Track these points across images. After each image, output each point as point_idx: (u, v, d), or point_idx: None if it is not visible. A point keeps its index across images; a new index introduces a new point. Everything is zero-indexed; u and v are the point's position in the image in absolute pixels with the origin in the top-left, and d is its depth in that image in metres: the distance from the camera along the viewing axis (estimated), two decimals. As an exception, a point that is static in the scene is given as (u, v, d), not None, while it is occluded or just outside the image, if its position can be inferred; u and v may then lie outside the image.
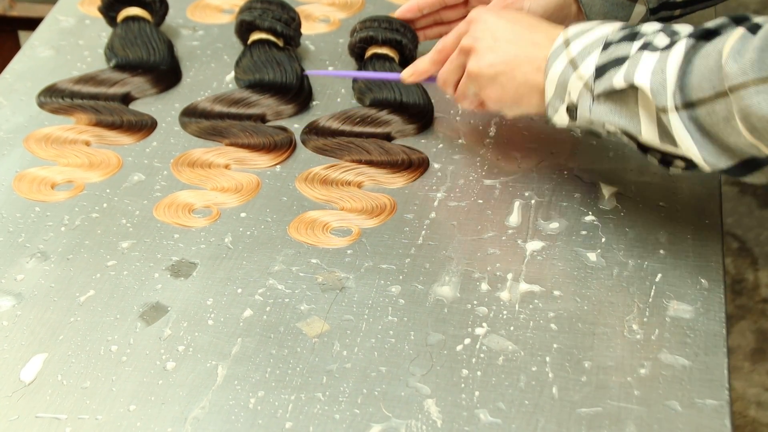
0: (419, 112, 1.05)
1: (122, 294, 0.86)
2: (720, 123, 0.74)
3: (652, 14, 1.00)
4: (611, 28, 0.84)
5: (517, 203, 0.94)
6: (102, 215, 0.94)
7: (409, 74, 1.01)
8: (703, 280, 0.86)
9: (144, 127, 1.05)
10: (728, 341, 0.82)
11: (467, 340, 0.81)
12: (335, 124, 1.04)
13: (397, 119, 1.04)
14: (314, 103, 1.09)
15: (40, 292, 0.86)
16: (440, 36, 1.12)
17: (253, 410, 0.76)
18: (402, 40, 1.10)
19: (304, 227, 0.92)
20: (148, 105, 1.09)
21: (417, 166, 0.99)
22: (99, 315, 0.84)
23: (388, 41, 1.10)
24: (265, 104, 1.07)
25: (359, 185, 0.97)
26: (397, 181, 0.98)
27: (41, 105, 1.09)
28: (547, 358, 0.79)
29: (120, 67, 1.13)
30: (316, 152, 1.02)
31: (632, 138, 0.82)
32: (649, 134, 0.80)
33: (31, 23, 1.50)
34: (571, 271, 0.87)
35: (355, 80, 1.10)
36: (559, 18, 1.00)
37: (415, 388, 0.77)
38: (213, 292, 0.86)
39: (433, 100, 1.07)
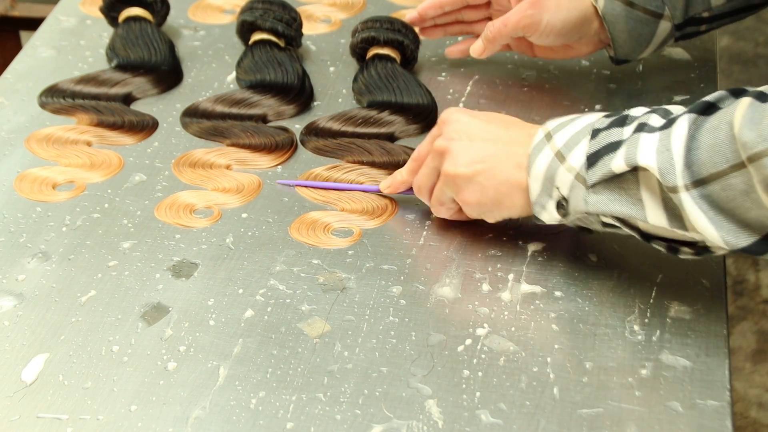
0: (421, 113, 1.05)
1: (123, 294, 0.86)
2: (738, 197, 0.71)
3: (677, 30, 0.97)
4: (595, 117, 0.81)
5: (518, 204, 0.94)
6: (103, 215, 0.94)
7: (386, 186, 0.94)
8: (704, 281, 0.86)
9: (145, 127, 1.05)
10: (729, 342, 0.82)
11: (468, 341, 0.81)
12: (336, 125, 1.04)
13: (399, 120, 1.04)
14: (315, 103, 1.09)
15: (41, 293, 0.86)
16: (462, 33, 1.13)
17: (254, 411, 0.76)
18: (404, 40, 1.10)
19: (305, 228, 0.92)
20: (149, 105, 1.09)
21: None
22: (100, 315, 0.84)
23: (389, 42, 1.10)
24: (267, 105, 1.07)
25: (360, 186, 0.98)
26: (398, 181, 0.98)
27: (42, 105, 1.09)
28: (549, 359, 0.79)
29: (121, 67, 1.13)
30: (316, 153, 1.02)
31: (633, 227, 0.78)
32: (656, 218, 0.76)
33: (33, 23, 1.50)
34: (572, 272, 0.87)
35: (354, 80, 1.10)
36: (579, 34, 0.98)
37: (416, 388, 0.77)
38: (214, 292, 0.86)
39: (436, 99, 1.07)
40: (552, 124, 0.83)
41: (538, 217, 0.83)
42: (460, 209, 0.89)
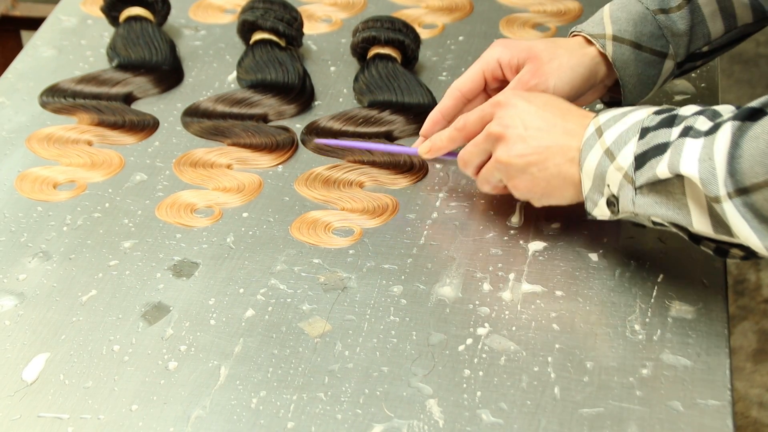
0: (422, 112, 1.05)
1: (124, 294, 0.86)
2: None
3: (677, 68, 0.95)
4: (645, 113, 0.80)
5: (519, 203, 0.94)
6: (104, 215, 0.94)
7: (425, 150, 0.95)
8: (704, 281, 0.86)
9: (146, 126, 1.06)
10: (730, 342, 0.82)
11: (469, 340, 0.81)
12: (337, 125, 1.04)
13: (400, 119, 1.04)
14: (316, 103, 1.09)
15: (42, 292, 0.86)
16: None
17: (255, 410, 0.76)
18: (404, 40, 1.10)
19: (306, 227, 0.92)
20: (150, 105, 1.09)
21: (419, 167, 0.99)
22: (101, 315, 0.84)
23: (390, 41, 1.10)
24: (267, 104, 1.07)
25: (361, 185, 0.97)
26: (399, 181, 0.98)
27: (43, 105, 1.09)
28: (549, 359, 0.79)
29: (122, 67, 1.13)
30: (317, 152, 1.02)
31: (682, 228, 0.78)
32: (701, 225, 0.75)
33: (34, 23, 1.50)
34: (573, 272, 0.87)
35: (355, 80, 1.10)
36: (587, 88, 0.95)
37: (417, 388, 0.77)
38: (215, 291, 0.86)
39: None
40: (603, 117, 0.82)
41: (590, 212, 0.83)
42: (506, 188, 0.89)
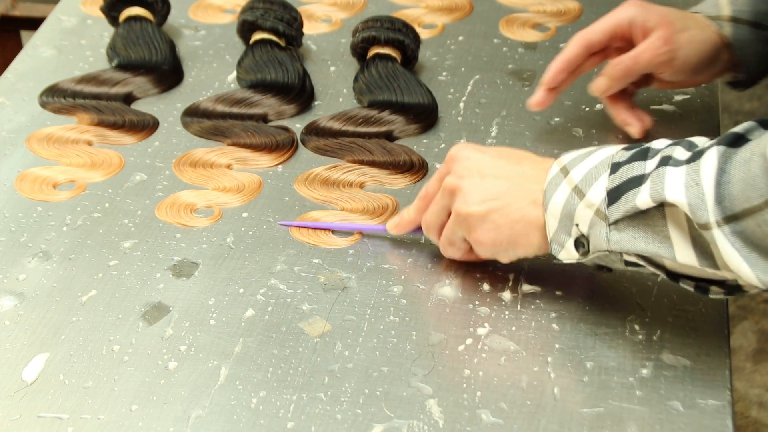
0: (422, 112, 1.05)
1: (124, 294, 0.86)
2: None
3: None
4: (614, 149, 0.77)
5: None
6: (104, 215, 0.94)
7: (393, 225, 0.89)
8: (705, 281, 0.86)
9: (146, 126, 1.06)
10: (730, 342, 0.82)
11: (469, 340, 0.81)
12: (336, 125, 1.04)
13: (400, 119, 1.04)
14: (316, 103, 1.09)
15: (42, 292, 0.86)
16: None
17: (255, 410, 0.76)
18: (404, 40, 1.10)
19: (306, 227, 0.92)
20: (150, 105, 1.09)
21: (419, 167, 0.99)
22: (101, 315, 0.84)
23: (390, 41, 1.10)
24: (267, 104, 1.07)
25: (361, 185, 0.97)
26: (399, 181, 0.98)
27: (43, 105, 1.09)
28: (549, 359, 0.79)
29: (122, 66, 1.13)
30: (317, 152, 1.02)
31: (658, 266, 0.74)
32: (684, 257, 0.72)
33: (34, 23, 1.50)
34: (573, 272, 0.87)
35: (355, 80, 1.10)
36: (710, 65, 0.93)
37: (417, 388, 0.77)
38: (215, 292, 0.86)
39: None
40: (567, 157, 0.79)
41: (555, 256, 0.79)
42: (471, 249, 0.84)
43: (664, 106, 1.07)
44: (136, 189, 0.97)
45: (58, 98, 1.09)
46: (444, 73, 1.13)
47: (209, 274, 0.88)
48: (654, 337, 0.81)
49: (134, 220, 0.94)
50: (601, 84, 0.98)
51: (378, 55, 1.10)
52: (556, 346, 0.80)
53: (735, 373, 1.79)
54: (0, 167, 1.00)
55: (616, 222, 0.74)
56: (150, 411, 0.76)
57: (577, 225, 0.76)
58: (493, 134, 1.03)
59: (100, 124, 1.06)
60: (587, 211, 0.75)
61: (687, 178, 0.70)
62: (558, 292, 0.85)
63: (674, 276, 0.74)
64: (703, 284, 0.74)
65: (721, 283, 0.73)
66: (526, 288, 0.85)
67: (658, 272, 0.75)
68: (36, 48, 1.19)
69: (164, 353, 0.80)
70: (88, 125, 1.06)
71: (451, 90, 1.11)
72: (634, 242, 0.74)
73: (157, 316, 0.84)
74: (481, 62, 1.14)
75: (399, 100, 1.06)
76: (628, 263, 0.76)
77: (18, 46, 1.59)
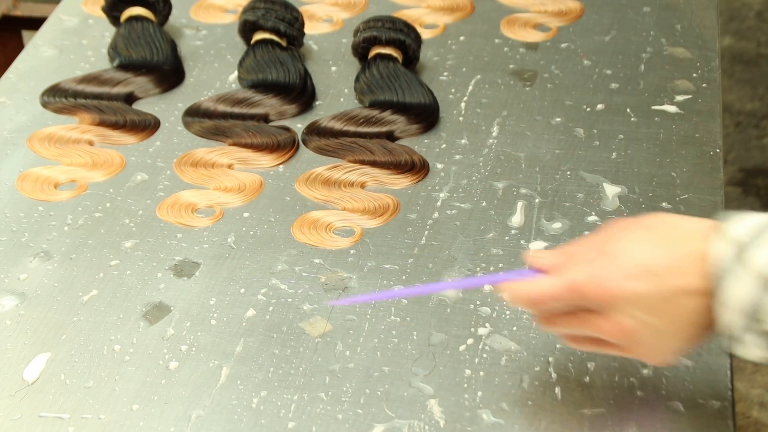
0: (423, 112, 1.05)
1: (125, 293, 0.86)
2: None
3: None
4: None
5: (520, 204, 0.94)
6: (105, 215, 0.94)
7: (512, 294, 0.71)
8: (706, 281, 0.85)
9: (147, 126, 1.06)
10: (731, 342, 0.81)
11: (470, 341, 0.81)
12: (338, 125, 1.04)
13: (401, 119, 1.04)
14: (317, 103, 1.09)
15: (43, 292, 0.86)
16: None
17: (255, 410, 0.76)
18: (405, 40, 1.10)
19: (307, 227, 0.92)
20: (151, 105, 1.09)
21: (420, 167, 0.99)
22: (102, 314, 0.84)
23: (391, 41, 1.10)
24: (268, 104, 1.07)
25: (362, 185, 0.97)
26: (401, 181, 0.98)
27: (45, 104, 1.09)
28: (550, 359, 0.79)
29: (123, 66, 1.13)
30: (318, 152, 1.02)
31: None
32: None
33: (35, 23, 1.50)
34: (574, 272, 0.87)
35: (356, 80, 1.10)
36: None
37: (417, 388, 0.77)
38: (216, 291, 0.86)
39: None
40: (740, 230, 0.63)
41: (734, 352, 0.66)
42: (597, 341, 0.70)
43: (666, 107, 1.07)
44: (138, 189, 0.98)
45: (60, 98, 1.09)
46: (445, 73, 1.13)
47: (210, 273, 0.88)
48: (655, 338, 0.81)
49: (135, 220, 0.94)
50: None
51: (379, 55, 1.10)
52: (557, 346, 0.80)
53: (736, 374, 1.79)
54: (1, 167, 1.00)
55: None
56: (151, 411, 0.76)
57: (763, 321, 0.63)
58: (494, 134, 1.03)
59: (102, 123, 1.06)
60: None
61: None
62: (559, 293, 0.85)
63: None
64: None
65: None
66: (527, 288, 0.85)
67: None
68: (37, 48, 1.19)
69: (165, 353, 0.80)
70: (89, 125, 1.06)
71: (453, 90, 1.11)
72: None
73: (158, 315, 0.84)
74: (482, 62, 1.14)
75: (400, 100, 1.06)
76: None
77: (19, 46, 1.59)
